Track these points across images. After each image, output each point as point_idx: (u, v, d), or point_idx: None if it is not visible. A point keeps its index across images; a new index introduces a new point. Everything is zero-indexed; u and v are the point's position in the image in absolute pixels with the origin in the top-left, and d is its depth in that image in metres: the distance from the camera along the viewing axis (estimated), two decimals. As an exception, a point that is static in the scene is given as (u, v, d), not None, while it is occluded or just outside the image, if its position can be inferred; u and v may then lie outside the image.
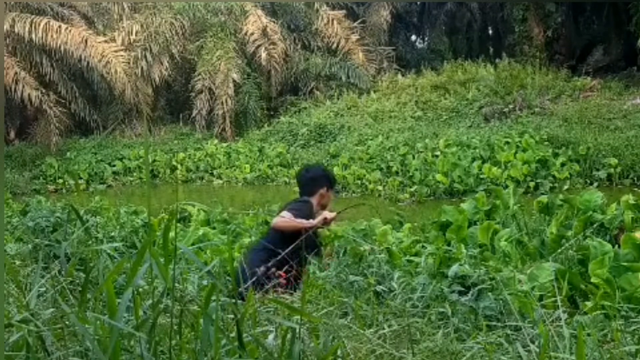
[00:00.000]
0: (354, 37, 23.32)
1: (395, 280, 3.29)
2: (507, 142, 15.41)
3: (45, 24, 19.97)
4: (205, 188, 18.95)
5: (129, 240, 6.51)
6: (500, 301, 3.03)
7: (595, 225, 5.70)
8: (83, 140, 21.81)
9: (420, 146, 16.31)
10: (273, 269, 3.82)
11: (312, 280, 3.27)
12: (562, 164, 14.59)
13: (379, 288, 3.14)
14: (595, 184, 13.74)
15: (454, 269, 3.27)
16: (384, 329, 2.25)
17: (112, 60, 20.30)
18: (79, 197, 14.63)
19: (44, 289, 1.71)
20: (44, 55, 20.70)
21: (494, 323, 2.78)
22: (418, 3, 30.19)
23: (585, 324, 3.17)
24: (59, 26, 20.08)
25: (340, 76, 22.68)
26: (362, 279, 3.32)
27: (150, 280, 1.50)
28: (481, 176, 14.56)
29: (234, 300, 1.49)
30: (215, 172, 19.59)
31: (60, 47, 19.93)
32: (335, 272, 3.50)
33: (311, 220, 4.58)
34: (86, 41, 20.18)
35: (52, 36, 19.86)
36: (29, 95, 19.47)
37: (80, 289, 1.67)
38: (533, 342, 2.12)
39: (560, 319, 2.28)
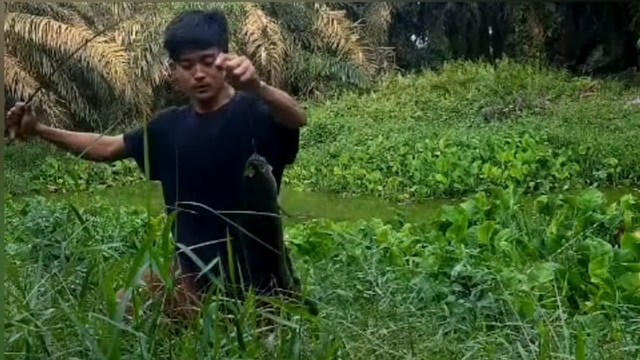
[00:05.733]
0: (354, 37, 23.30)
1: (382, 285, 3.27)
2: (507, 142, 15.41)
3: (45, 24, 19.94)
4: (205, 188, 18.90)
5: (129, 240, 6.51)
6: (501, 301, 3.03)
7: (595, 225, 5.71)
8: (83, 140, 21.77)
9: (420, 146, 16.29)
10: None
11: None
12: (562, 164, 14.59)
13: (367, 294, 3.12)
14: (595, 184, 13.72)
15: (457, 269, 3.27)
16: (384, 329, 2.25)
17: (112, 60, 20.27)
18: (79, 197, 14.62)
19: (44, 289, 1.71)
20: (44, 55, 20.68)
21: (493, 323, 2.78)
22: (418, 3, 30.16)
23: (585, 324, 3.17)
24: (59, 26, 20.05)
25: (340, 76, 22.65)
26: (349, 292, 3.24)
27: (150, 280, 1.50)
28: (481, 176, 14.56)
29: (234, 300, 1.49)
30: (215, 172, 19.55)
31: (60, 47, 19.91)
32: (319, 282, 3.42)
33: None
34: (86, 41, 20.15)
35: (52, 36, 19.84)
36: (29, 95, 19.46)
37: (80, 288, 1.67)
38: (533, 342, 2.12)
39: (560, 319, 2.28)
